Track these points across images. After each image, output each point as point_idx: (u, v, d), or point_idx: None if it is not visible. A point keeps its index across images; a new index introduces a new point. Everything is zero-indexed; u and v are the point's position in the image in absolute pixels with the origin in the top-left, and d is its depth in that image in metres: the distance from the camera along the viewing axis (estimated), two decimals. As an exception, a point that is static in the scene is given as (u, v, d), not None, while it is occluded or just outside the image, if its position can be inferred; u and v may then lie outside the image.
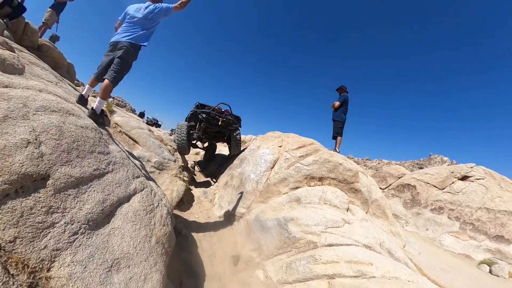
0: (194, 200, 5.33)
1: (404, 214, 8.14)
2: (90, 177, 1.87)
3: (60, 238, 1.44)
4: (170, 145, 6.78)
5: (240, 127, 6.93)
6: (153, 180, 3.21)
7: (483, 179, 7.62)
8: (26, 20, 5.32)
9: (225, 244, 3.62)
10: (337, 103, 6.14)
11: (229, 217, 4.36)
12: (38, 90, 2.09)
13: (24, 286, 1.22)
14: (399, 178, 9.57)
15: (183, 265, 2.85)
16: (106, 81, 2.96)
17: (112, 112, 5.87)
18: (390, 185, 9.57)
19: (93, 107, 2.83)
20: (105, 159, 2.16)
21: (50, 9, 6.64)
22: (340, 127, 6.07)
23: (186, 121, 7.17)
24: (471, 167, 8.21)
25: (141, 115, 25.13)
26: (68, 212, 1.56)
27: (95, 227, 1.68)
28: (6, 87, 1.82)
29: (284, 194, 4.19)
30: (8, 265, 1.20)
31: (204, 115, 6.37)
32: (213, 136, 7.49)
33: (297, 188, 4.23)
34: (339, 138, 6.06)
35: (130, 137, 5.23)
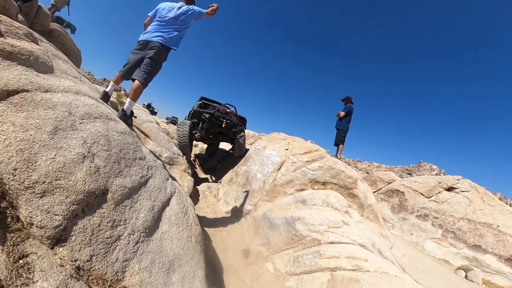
0: (199, 195, 5.50)
1: (391, 218, 8.57)
2: (138, 186, 1.91)
3: (127, 249, 1.53)
4: (176, 139, 6.86)
5: (245, 128, 6.77)
6: (174, 179, 3.31)
7: (468, 191, 8.14)
8: (39, 4, 4.98)
9: (235, 239, 3.90)
10: (342, 113, 6.46)
11: (236, 213, 4.65)
12: (75, 93, 2.02)
13: (107, 299, 1.32)
14: (389, 183, 9.99)
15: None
16: (137, 82, 2.89)
17: (122, 103, 5.92)
18: (380, 189, 9.97)
19: (123, 109, 2.80)
20: (145, 165, 2.17)
21: None
22: (343, 135, 6.42)
23: (188, 117, 6.88)
24: (458, 180, 8.71)
25: (148, 106, 24.93)
26: (128, 223, 1.63)
27: (149, 233, 1.79)
28: (47, 92, 1.72)
29: (290, 195, 4.51)
30: (90, 283, 1.26)
31: (207, 116, 6.04)
32: (216, 136, 7.17)
33: (302, 190, 4.56)
34: (341, 146, 6.42)
35: (141, 131, 5.22)
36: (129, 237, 1.58)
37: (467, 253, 6.80)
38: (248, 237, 3.98)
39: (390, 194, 9.36)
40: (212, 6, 3.23)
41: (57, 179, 1.33)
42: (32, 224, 1.19)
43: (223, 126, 5.96)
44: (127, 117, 2.77)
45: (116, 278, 1.40)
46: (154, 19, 3.11)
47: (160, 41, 2.93)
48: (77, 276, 1.22)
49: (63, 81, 2.10)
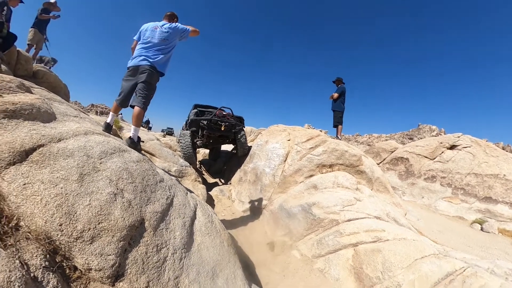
0: (213, 200, 5.64)
1: (400, 186, 8.75)
2: (167, 207, 2.01)
3: (175, 268, 1.66)
4: (179, 151, 6.95)
5: (244, 127, 6.89)
6: (191, 191, 3.38)
7: (470, 147, 8.31)
8: (17, 49, 4.94)
9: (257, 235, 4.08)
10: (335, 95, 6.57)
11: (253, 210, 4.82)
12: (84, 134, 2.03)
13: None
14: (392, 152, 10.15)
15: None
16: (137, 108, 2.92)
17: (120, 128, 5.99)
18: (384, 159, 10.14)
19: (130, 136, 2.82)
20: (165, 186, 2.24)
21: (32, 28, 6.10)
22: (340, 116, 6.55)
23: (186, 127, 6.96)
24: (458, 137, 8.87)
25: (147, 123, 25.02)
26: (169, 243, 1.75)
27: (188, 248, 1.93)
28: (60, 141, 1.74)
29: (300, 183, 4.68)
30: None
31: (205, 122, 6.19)
32: (217, 140, 7.32)
33: (311, 176, 4.73)
34: (339, 126, 6.55)
35: (146, 151, 5.32)
36: (173, 256, 1.71)
37: (479, 206, 7.00)
38: (269, 230, 4.16)
39: (395, 163, 9.53)
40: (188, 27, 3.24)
41: (99, 223, 1.41)
42: (91, 269, 1.29)
43: (222, 129, 6.11)
44: (136, 144, 2.81)
45: (172, 296, 1.53)
46: (139, 42, 3.09)
47: (148, 64, 2.93)
48: (141, 303, 1.36)
49: (68, 125, 2.13)
